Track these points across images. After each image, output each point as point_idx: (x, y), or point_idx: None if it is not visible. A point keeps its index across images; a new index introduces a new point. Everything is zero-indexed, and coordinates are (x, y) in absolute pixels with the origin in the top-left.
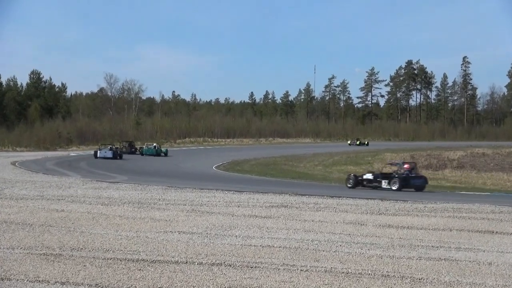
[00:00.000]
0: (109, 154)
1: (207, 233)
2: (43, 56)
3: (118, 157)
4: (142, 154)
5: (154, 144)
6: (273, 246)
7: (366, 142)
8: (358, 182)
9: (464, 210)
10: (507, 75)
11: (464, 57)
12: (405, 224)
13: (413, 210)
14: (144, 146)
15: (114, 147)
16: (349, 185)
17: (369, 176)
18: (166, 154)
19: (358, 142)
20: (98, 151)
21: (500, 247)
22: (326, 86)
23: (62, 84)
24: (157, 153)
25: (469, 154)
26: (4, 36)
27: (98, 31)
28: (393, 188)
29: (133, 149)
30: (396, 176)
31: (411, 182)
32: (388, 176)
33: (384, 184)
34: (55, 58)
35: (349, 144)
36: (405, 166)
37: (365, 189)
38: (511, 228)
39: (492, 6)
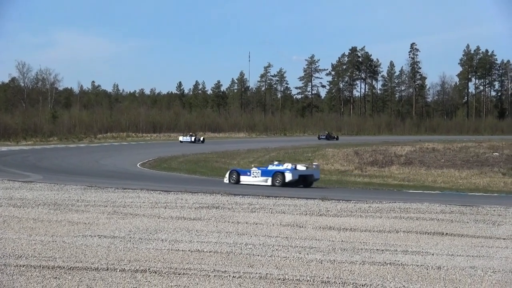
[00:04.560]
0: None
1: (130, 237)
2: None
3: None
4: None
5: None
6: (203, 251)
7: None
8: None
9: (412, 210)
10: (459, 63)
11: (412, 44)
12: (348, 226)
13: (357, 211)
14: None
15: None
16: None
17: None
18: None
19: None
20: None
21: (450, 250)
22: (261, 76)
23: None
24: None
25: (418, 149)
26: None
27: (4, 12)
28: None
29: None
30: None
31: None
32: None
33: None
34: None
35: None
36: None
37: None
38: (462, 230)
39: None
